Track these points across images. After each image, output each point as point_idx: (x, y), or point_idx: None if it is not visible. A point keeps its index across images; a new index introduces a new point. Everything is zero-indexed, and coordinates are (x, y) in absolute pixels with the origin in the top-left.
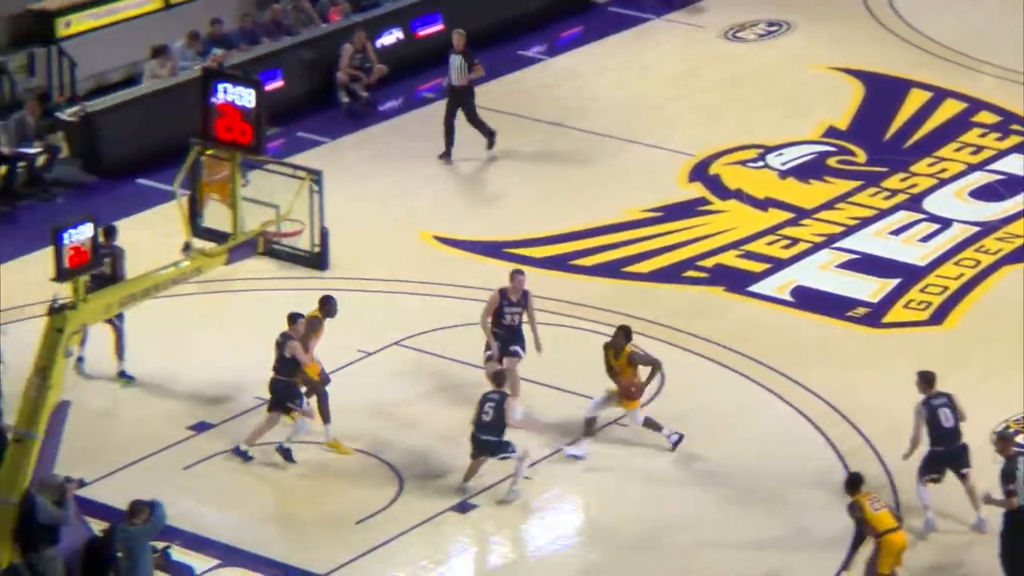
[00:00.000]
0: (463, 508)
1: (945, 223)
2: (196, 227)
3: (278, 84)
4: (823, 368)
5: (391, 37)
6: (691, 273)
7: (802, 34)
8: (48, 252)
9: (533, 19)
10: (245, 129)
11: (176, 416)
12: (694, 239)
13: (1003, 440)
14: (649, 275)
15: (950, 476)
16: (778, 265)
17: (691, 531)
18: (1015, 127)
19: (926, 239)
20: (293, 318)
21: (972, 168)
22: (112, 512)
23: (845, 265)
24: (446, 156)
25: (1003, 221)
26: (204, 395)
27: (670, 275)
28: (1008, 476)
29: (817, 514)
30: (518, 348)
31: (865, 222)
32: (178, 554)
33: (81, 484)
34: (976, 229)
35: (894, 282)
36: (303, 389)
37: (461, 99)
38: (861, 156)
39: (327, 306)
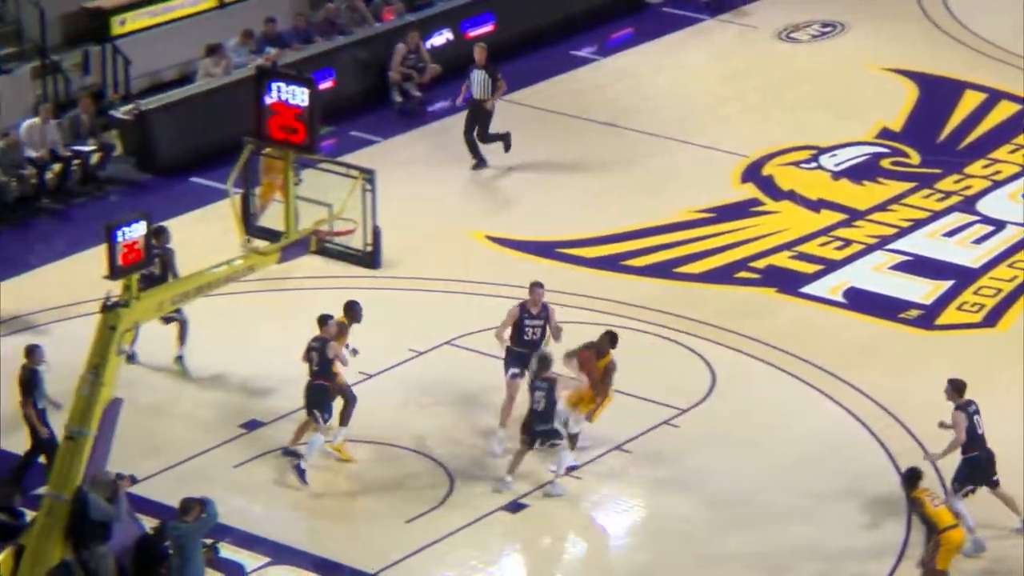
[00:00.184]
0: (513, 508)
1: (999, 225)
2: (249, 225)
3: (331, 83)
4: (875, 370)
5: (441, 38)
6: (743, 274)
7: (856, 35)
8: (101, 250)
9: (584, 19)
10: (298, 128)
11: (228, 414)
12: (746, 240)
13: None
14: (701, 276)
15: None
16: (831, 267)
17: (743, 530)
18: None
19: (979, 241)
20: (324, 320)
21: None
22: (164, 509)
23: (898, 267)
24: (480, 164)
25: None
26: (257, 393)
27: (722, 276)
28: None
29: (869, 514)
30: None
31: (918, 224)
32: (228, 551)
33: (133, 481)
34: None
35: (947, 284)
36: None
37: (481, 114)
38: (915, 157)
39: (352, 311)
